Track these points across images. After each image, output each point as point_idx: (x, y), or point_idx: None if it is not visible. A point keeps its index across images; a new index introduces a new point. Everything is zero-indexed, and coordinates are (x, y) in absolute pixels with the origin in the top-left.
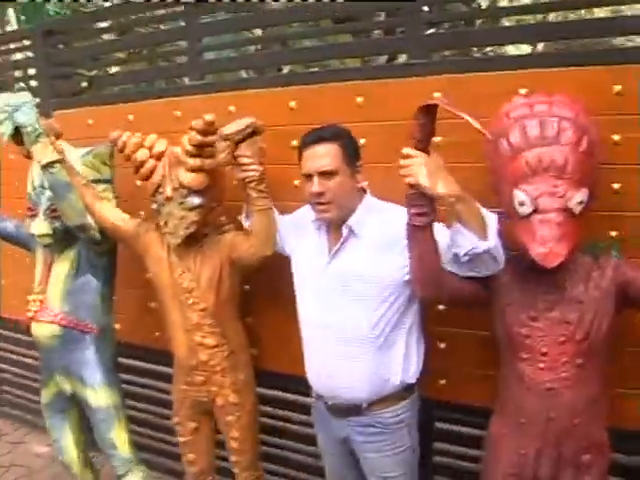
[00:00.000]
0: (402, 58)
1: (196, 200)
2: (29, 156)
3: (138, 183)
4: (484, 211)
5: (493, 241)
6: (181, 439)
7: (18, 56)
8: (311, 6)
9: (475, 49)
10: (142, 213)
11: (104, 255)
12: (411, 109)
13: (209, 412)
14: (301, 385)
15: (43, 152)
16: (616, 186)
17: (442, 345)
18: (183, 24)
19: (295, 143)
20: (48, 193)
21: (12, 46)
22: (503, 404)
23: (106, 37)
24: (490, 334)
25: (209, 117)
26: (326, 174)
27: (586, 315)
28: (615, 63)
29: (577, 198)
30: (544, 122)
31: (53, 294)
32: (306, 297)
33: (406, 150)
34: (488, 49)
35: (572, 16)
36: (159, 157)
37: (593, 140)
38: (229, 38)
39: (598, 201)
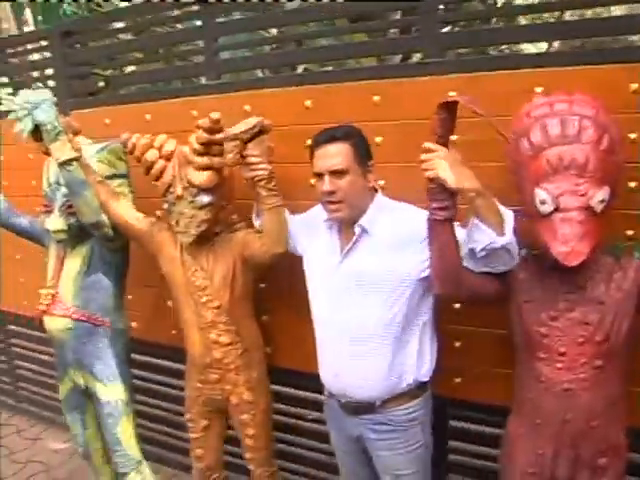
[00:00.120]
0: (416, 57)
1: (205, 198)
2: (47, 153)
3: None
4: (501, 207)
5: (510, 237)
6: (192, 435)
7: (35, 56)
8: (326, 6)
9: (491, 47)
10: (158, 213)
11: (117, 252)
12: (427, 108)
13: (222, 410)
14: (315, 383)
15: (61, 150)
16: (632, 184)
17: (457, 344)
18: (199, 24)
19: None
20: (63, 189)
21: (30, 46)
22: (520, 404)
23: (123, 37)
24: (506, 332)
25: (215, 115)
26: (337, 173)
27: (606, 316)
28: (632, 61)
29: (599, 196)
30: (565, 121)
31: (65, 289)
32: (318, 296)
33: (427, 144)
34: (504, 47)
35: (589, 13)
36: (169, 157)
37: (614, 138)
38: (245, 38)
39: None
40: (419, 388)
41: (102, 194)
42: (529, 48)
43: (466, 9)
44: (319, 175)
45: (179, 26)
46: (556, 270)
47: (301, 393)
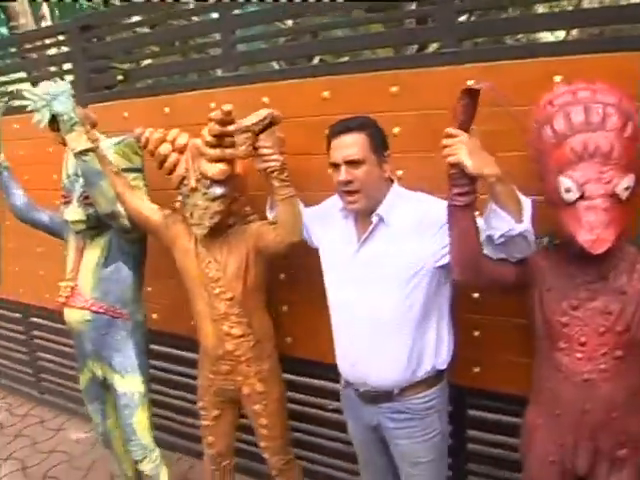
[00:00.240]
0: (432, 47)
1: (218, 190)
2: (64, 143)
3: None
4: (519, 194)
5: (528, 224)
6: (203, 423)
7: (53, 51)
8: None
9: (508, 37)
10: (177, 205)
11: (134, 243)
12: (445, 98)
13: (234, 400)
14: (335, 373)
15: (77, 140)
16: None
17: (476, 333)
18: (216, 16)
19: None
20: (82, 180)
21: (48, 41)
22: (538, 393)
23: (141, 30)
24: (525, 322)
25: (227, 107)
26: (353, 163)
27: (628, 307)
28: None
29: (624, 184)
30: (589, 108)
31: (84, 280)
32: (335, 285)
33: (449, 129)
34: (520, 36)
35: (607, 1)
36: (182, 150)
37: (637, 125)
38: (262, 29)
39: None
40: (436, 376)
41: (118, 185)
42: (547, 37)
43: None
44: (335, 165)
45: (195, 19)
46: (578, 259)
47: (321, 383)
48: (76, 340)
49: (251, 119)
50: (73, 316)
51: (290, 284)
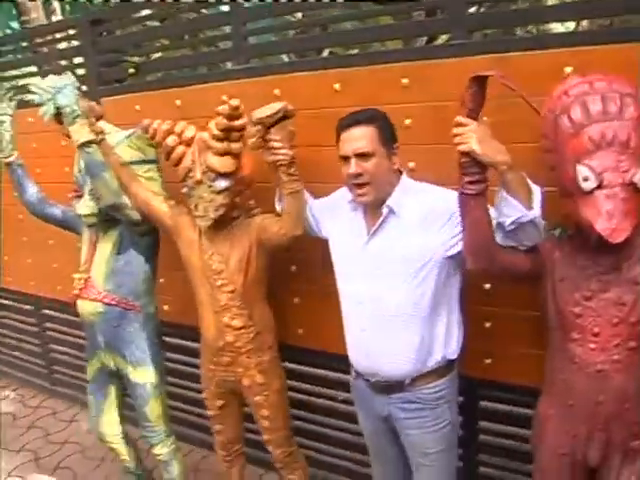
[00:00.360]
0: (441, 39)
1: (223, 183)
2: (69, 135)
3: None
4: (529, 181)
5: (538, 210)
6: (209, 412)
7: (64, 45)
8: None
9: (518, 28)
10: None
11: (145, 235)
12: (456, 89)
13: (235, 392)
14: (346, 364)
15: (79, 132)
16: None
17: (487, 324)
18: (227, 9)
19: None
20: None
21: (59, 35)
22: (551, 384)
23: (151, 24)
24: (536, 314)
25: (235, 102)
26: (363, 156)
27: None
28: None
29: None
30: (606, 98)
31: (97, 273)
32: (346, 276)
33: (459, 118)
34: (531, 27)
35: None
36: (189, 143)
37: None
38: (269, 22)
39: None
40: (447, 367)
41: (124, 176)
42: (557, 27)
43: None
44: (345, 158)
45: (205, 11)
46: (590, 250)
47: (332, 374)
48: (88, 332)
49: (264, 111)
50: (86, 308)
51: (301, 276)
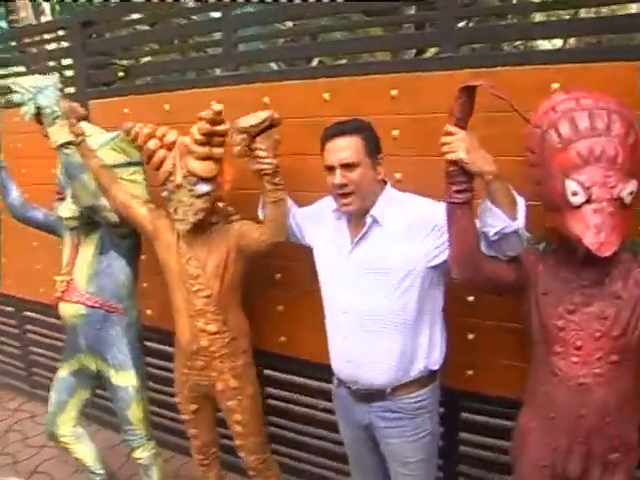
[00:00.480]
0: (430, 52)
1: (204, 187)
2: (48, 136)
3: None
4: (514, 192)
5: (523, 221)
6: (183, 417)
7: (53, 46)
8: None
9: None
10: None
11: (125, 237)
12: (444, 102)
13: (209, 396)
14: (328, 373)
15: (58, 133)
16: None
17: (470, 336)
18: (218, 15)
19: None
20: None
21: (48, 36)
22: (533, 397)
23: (141, 28)
24: (519, 326)
25: (217, 107)
26: (348, 166)
27: (623, 312)
28: None
29: (629, 188)
30: (593, 114)
31: (79, 275)
32: (329, 285)
33: (448, 127)
34: (518, 43)
35: (604, 11)
36: (170, 147)
37: (638, 133)
38: (261, 30)
39: None
40: (429, 377)
41: (103, 178)
42: (544, 44)
43: (482, 5)
44: (330, 168)
45: (195, 18)
46: (574, 264)
47: (314, 383)
48: (70, 334)
49: (249, 120)
50: (68, 310)
51: (286, 284)
